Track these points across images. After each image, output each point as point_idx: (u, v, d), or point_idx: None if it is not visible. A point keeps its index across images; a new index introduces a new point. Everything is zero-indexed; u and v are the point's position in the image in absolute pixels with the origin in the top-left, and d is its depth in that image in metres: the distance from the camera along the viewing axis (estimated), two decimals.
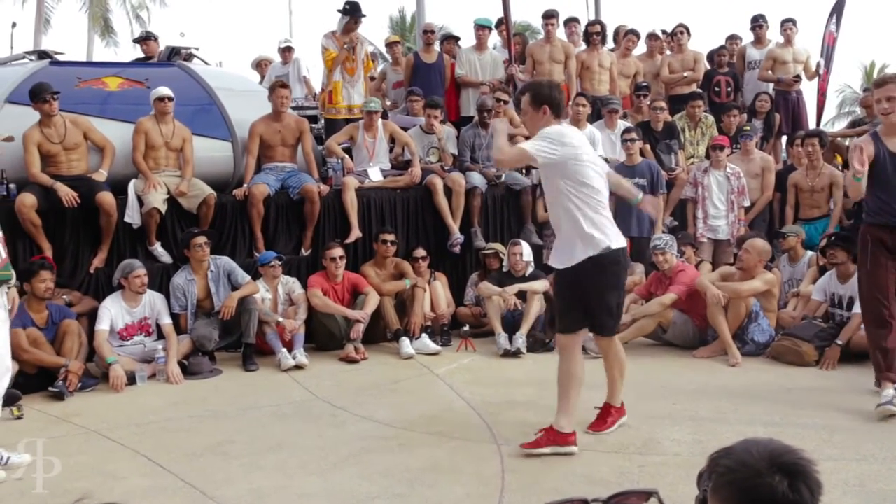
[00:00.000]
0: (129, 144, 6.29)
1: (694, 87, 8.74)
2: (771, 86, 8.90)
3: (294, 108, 7.61)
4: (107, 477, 3.65)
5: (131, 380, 5.32)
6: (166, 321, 5.74)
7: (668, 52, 9.14)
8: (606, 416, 4.11)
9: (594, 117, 7.88)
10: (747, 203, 7.26)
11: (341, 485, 3.47)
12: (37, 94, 5.91)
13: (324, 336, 6.24)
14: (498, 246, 6.87)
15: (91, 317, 5.67)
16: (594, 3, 14.15)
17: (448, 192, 7.02)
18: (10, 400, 4.51)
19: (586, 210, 3.74)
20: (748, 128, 7.75)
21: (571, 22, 9.09)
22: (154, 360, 5.51)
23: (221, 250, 6.38)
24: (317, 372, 5.65)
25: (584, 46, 8.72)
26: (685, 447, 3.85)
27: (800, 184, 7.32)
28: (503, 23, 8.76)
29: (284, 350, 5.83)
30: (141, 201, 6.19)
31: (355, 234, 6.70)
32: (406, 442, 4.05)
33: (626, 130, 7.31)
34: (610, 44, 9.23)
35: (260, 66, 9.83)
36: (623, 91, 8.67)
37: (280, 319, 6.03)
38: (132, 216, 6.17)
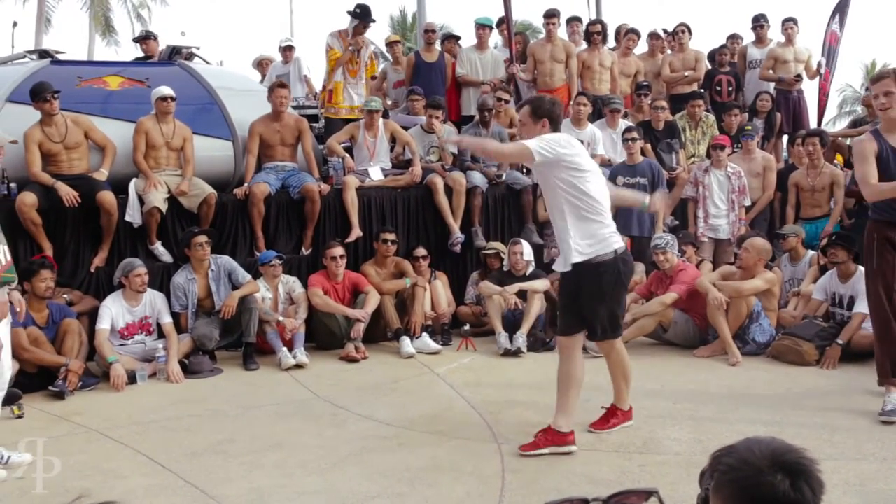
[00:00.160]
0: (130, 144, 6.29)
1: (695, 87, 8.74)
2: (772, 85, 8.90)
3: (295, 108, 7.62)
4: (107, 476, 3.65)
5: (132, 379, 5.32)
6: (167, 320, 5.75)
7: (669, 52, 9.14)
8: (611, 416, 4.11)
9: (595, 116, 7.89)
10: (748, 202, 7.25)
11: (341, 484, 3.47)
12: (37, 94, 5.91)
13: (324, 335, 6.24)
14: (498, 245, 6.87)
15: (91, 316, 5.67)
16: (595, 3, 14.17)
17: (449, 191, 7.02)
18: (10, 399, 4.51)
19: (578, 216, 3.75)
20: (750, 127, 7.74)
21: (574, 21, 9.10)
22: (155, 360, 5.52)
23: (222, 249, 6.38)
24: (317, 371, 5.65)
25: (584, 46, 8.72)
26: (686, 446, 3.85)
27: (801, 183, 7.31)
28: (504, 22, 8.76)
29: (285, 349, 5.83)
30: (142, 200, 6.19)
31: (356, 233, 6.70)
32: (406, 441, 4.05)
33: (628, 130, 7.31)
34: (611, 43, 9.23)
35: (261, 65, 9.83)
36: (624, 90, 8.67)
37: (280, 318, 6.03)
38: (133, 215, 6.17)
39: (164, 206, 6.19)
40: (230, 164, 6.82)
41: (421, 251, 6.71)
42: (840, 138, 8.79)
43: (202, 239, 5.97)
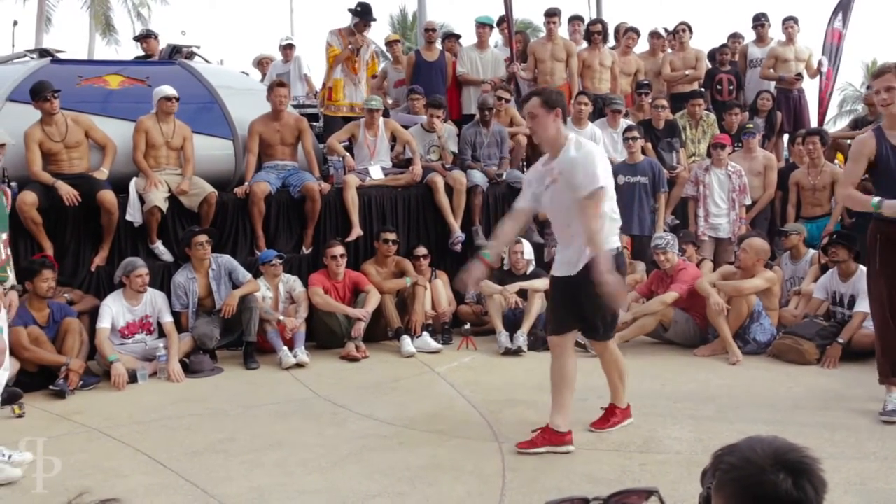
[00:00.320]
0: (130, 143, 6.29)
1: (695, 86, 8.73)
2: (773, 84, 8.89)
3: (295, 107, 7.61)
4: (108, 474, 3.65)
5: (132, 378, 5.32)
6: (167, 319, 5.75)
7: (669, 51, 9.13)
8: (610, 416, 4.11)
9: (595, 115, 7.88)
10: (748, 201, 7.25)
11: (342, 483, 3.47)
12: (38, 93, 5.90)
13: (325, 334, 6.24)
14: None
15: (92, 315, 5.67)
16: (595, 2, 14.16)
17: (449, 190, 7.01)
18: (11, 398, 4.52)
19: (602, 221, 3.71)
20: (751, 125, 7.74)
21: (575, 20, 9.10)
22: (155, 359, 5.52)
23: (222, 249, 6.38)
24: (318, 370, 5.65)
25: (585, 45, 8.72)
26: (686, 445, 3.85)
27: (801, 182, 7.31)
28: (505, 21, 8.76)
29: (285, 348, 5.83)
30: (142, 199, 6.19)
31: (356, 232, 6.70)
32: (407, 440, 4.04)
33: (628, 129, 7.31)
34: (611, 42, 9.22)
35: (261, 64, 9.83)
36: (624, 89, 8.67)
37: (281, 318, 6.03)
38: (133, 214, 6.17)
39: (164, 206, 6.19)
40: (230, 163, 6.82)
41: (421, 250, 6.71)
42: (840, 138, 8.78)
43: (203, 238, 5.97)
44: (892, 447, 3.74)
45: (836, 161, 7.97)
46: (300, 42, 9.73)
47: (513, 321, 6.17)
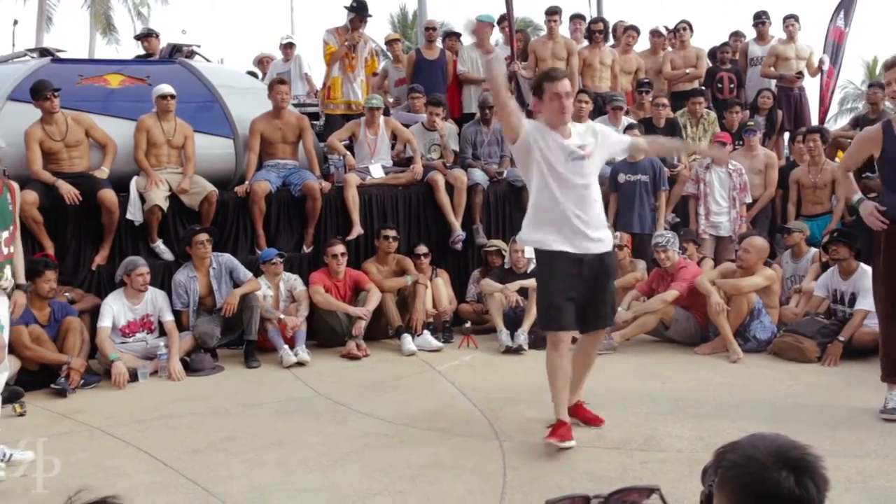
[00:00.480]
0: (131, 142, 6.29)
1: (696, 84, 8.73)
2: (773, 82, 8.88)
3: (296, 105, 7.61)
4: (109, 473, 3.65)
5: (133, 377, 5.33)
6: (168, 318, 5.75)
7: (670, 49, 9.13)
8: (584, 411, 4.13)
9: (595, 113, 7.87)
10: (749, 200, 7.25)
11: (343, 481, 3.47)
12: (38, 92, 5.91)
13: (325, 333, 6.25)
14: (500, 243, 6.86)
15: (93, 314, 5.68)
16: (596, 0, 14.15)
17: (450, 188, 7.01)
18: (12, 397, 4.52)
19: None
20: (752, 123, 7.74)
21: (576, 18, 9.11)
22: (156, 357, 5.52)
23: (223, 247, 6.38)
24: (318, 369, 5.66)
25: (585, 43, 8.72)
26: (687, 443, 3.84)
27: (802, 180, 7.31)
28: (505, 19, 8.75)
29: (286, 347, 5.84)
30: (143, 198, 6.19)
31: (357, 230, 6.70)
32: (408, 438, 4.05)
33: (629, 127, 7.30)
34: (611, 40, 9.22)
35: (262, 63, 9.82)
36: (624, 87, 8.67)
37: (282, 316, 6.04)
38: (134, 213, 6.18)
39: (165, 205, 6.19)
40: (231, 162, 6.82)
41: (422, 249, 6.71)
42: (841, 137, 8.78)
43: (203, 237, 5.97)
44: (893, 445, 3.73)
45: (837, 159, 7.97)
46: (300, 41, 9.71)
47: (513, 319, 6.17)
